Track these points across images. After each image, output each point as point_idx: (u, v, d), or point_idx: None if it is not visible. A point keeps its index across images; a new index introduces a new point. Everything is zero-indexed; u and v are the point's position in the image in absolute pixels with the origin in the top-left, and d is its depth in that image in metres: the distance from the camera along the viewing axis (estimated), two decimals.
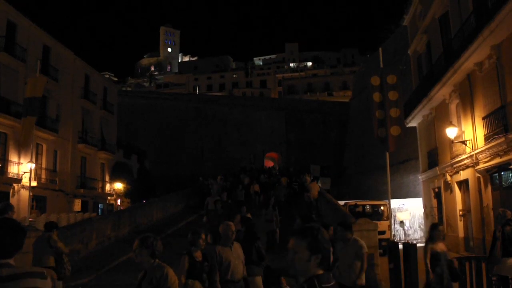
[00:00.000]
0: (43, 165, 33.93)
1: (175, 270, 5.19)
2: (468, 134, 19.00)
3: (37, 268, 3.31)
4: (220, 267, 6.68)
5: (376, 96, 12.81)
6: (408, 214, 26.91)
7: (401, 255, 10.99)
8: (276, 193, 26.69)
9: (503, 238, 8.67)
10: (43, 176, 33.48)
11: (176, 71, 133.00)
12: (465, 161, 19.29)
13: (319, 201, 23.70)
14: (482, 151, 17.38)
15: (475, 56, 17.23)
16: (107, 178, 44.63)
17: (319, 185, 29.91)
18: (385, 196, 21.30)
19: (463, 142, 18.89)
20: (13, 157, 30.14)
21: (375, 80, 12.92)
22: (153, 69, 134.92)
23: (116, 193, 46.25)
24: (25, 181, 29.13)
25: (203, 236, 6.82)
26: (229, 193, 25.77)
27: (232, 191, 27.40)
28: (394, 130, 12.42)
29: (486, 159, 17.12)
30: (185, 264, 6.46)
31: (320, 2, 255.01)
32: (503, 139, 15.31)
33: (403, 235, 26.05)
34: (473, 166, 18.52)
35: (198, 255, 6.63)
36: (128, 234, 21.01)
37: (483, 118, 17.48)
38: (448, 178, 21.82)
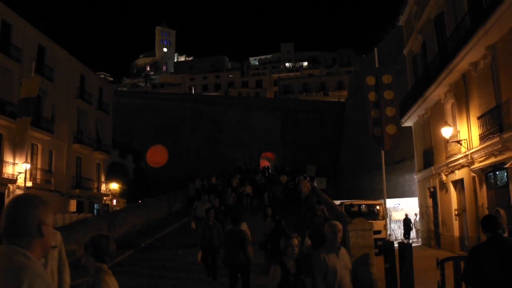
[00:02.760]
0: (38, 166, 33.83)
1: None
2: (463, 134, 19.06)
3: None
4: (324, 278, 5.64)
5: (372, 96, 12.84)
6: (403, 213, 27.02)
7: (396, 255, 11.01)
8: (274, 188, 26.78)
9: None
10: (38, 176, 33.38)
11: (172, 71, 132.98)
12: (460, 161, 19.35)
13: (311, 196, 24.25)
14: (477, 151, 17.44)
15: (470, 56, 17.29)
16: (102, 179, 44.55)
17: (315, 184, 29.98)
18: (381, 195, 21.32)
19: (458, 142, 18.95)
20: (8, 157, 30.05)
21: (371, 80, 12.94)
22: (148, 69, 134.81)
23: (112, 194, 46.16)
24: (20, 181, 29.06)
25: (296, 242, 5.57)
26: (219, 197, 24.75)
27: (222, 194, 26.12)
28: (390, 129, 12.45)
29: (481, 159, 17.18)
30: (276, 277, 5.40)
31: (315, 2, 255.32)
32: (498, 138, 15.37)
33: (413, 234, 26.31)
34: (468, 166, 18.58)
35: (292, 265, 5.49)
36: (124, 235, 21.00)
37: (478, 118, 17.54)
38: (444, 177, 21.89)
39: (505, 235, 8.68)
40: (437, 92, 21.61)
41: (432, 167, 23.59)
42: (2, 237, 2.36)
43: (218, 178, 33.56)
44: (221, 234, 12.31)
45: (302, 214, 22.28)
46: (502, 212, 9.44)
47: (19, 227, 2.34)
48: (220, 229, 12.79)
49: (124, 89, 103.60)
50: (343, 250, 5.97)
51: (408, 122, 27.39)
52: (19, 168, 30.02)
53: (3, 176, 29.23)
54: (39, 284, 2.21)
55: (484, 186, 17.62)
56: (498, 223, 5.32)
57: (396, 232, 26.88)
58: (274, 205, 24.82)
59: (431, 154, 24.09)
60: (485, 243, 5.24)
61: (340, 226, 5.94)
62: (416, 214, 27.00)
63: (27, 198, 2.46)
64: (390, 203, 26.84)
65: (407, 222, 25.50)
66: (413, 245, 11.48)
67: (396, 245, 11.89)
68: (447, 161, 21.08)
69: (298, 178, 29.11)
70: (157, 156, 58.10)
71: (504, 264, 4.82)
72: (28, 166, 27.46)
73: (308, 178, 28.20)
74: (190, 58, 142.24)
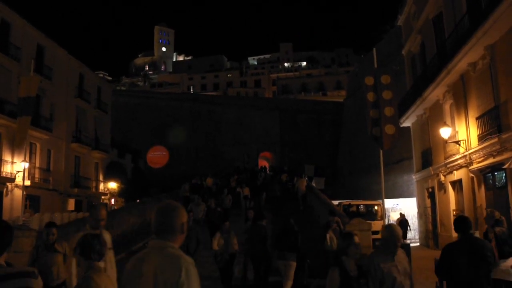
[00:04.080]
0: (37, 164, 33.83)
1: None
2: (461, 134, 19.07)
3: (28, 267, 3.31)
4: (381, 286, 5.07)
5: (370, 96, 12.82)
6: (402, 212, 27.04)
7: None
8: (273, 188, 26.63)
9: (496, 240, 8.66)
10: (36, 175, 33.37)
11: (171, 70, 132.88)
12: (459, 161, 19.36)
13: (309, 195, 24.18)
14: (475, 151, 17.45)
15: (468, 57, 17.30)
16: (101, 178, 44.56)
17: (313, 184, 30.00)
18: (379, 196, 21.35)
19: (457, 142, 18.95)
20: (6, 156, 30.04)
21: (369, 80, 12.92)
22: (147, 68, 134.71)
23: (110, 193, 46.15)
24: (18, 180, 29.03)
25: (357, 240, 5.10)
26: (216, 199, 23.76)
27: (219, 196, 25.29)
28: (389, 129, 12.43)
29: (480, 159, 17.19)
30: (335, 279, 4.89)
31: (314, 2, 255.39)
32: (496, 139, 15.38)
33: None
34: (466, 166, 18.59)
35: (353, 267, 4.97)
36: (122, 234, 20.96)
37: (477, 119, 17.55)
38: (442, 178, 21.89)
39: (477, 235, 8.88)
40: (436, 92, 21.62)
41: (431, 168, 23.59)
42: (154, 233, 3.21)
43: (215, 178, 32.62)
44: (201, 241, 11.62)
45: (300, 213, 22.32)
46: (496, 213, 9.45)
47: (168, 226, 3.17)
48: (201, 233, 12.11)
49: (122, 88, 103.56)
50: (400, 253, 5.27)
51: (407, 122, 27.39)
52: (17, 167, 30.01)
53: (1, 175, 29.23)
54: (192, 271, 3.01)
55: (483, 187, 17.63)
56: (469, 224, 6.05)
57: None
58: (273, 205, 24.83)
59: (430, 154, 24.09)
60: (457, 241, 5.97)
61: (398, 230, 5.31)
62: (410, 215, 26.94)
63: (174, 205, 3.29)
64: (388, 203, 26.88)
65: (403, 223, 25.20)
66: (411, 245, 11.52)
67: None
68: (445, 162, 21.09)
69: (296, 177, 28.87)
70: (158, 157, 58.16)
71: (471, 260, 5.54)
72: (26, 165, 27.39)
73: (306, 177, 28.00)
74: (189, 58, 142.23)
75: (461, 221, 6.07)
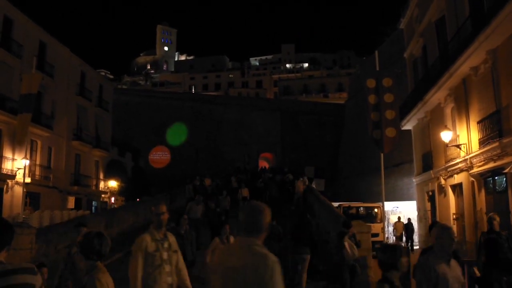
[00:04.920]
0: (37, 162, 33.83)
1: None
2: (462, 138, 19.07)
3: (27, 264, 3.33)
4: None
5: (372, 98, 12.84)
6: (401, 217, 26.98)
7: None
8: (271, 188, 26.47)
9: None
10: (37, 172, 33.38)
11: (172, 70, 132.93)
12: (459, 165, 19.36)
13: (309, 196, 24.09)
14: (476, 155, 17.45)
15: (470, 61, 17.30)
16: (101, 176, 44.56)
17: (313, 185, 29.93)
18: (379, 198, 21.34)
19: (458, 146, 18.95)
20: (7, 153, 30.04)
21: (371, 83, 12.94)
22: (149, 67, 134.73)
23: (110, 191, 46.15)
24: (19, 177, 29.05)
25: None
26: (215, 199, 23.26)
27: (217, 197, 24.48)
28: (389, 132, 12.45)
29: (480, 163, 17.18)
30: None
31: (317, 4, 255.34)
32: (497, 143, 15.38)
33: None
34: (467, 170, 18.59)
35: (398, 282, 4.45)
36: (122, 233, 20.97)
37: (478, 123, 17.55)
38: (442, 181, 21.89)
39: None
40: (437, 95, 21.62)
41: (431, 171, 23.59)
42: (243, 231, 3.45)
43: (213, 179, 32.25)
44: (194, 246, 11.37)
45: (299, 217, 22.22)
46: (496, 218, 9.51)
47: (256, 226, 3.44)
48: (194, 239, 11.60)
49: (124, 87, 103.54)
50: (453, 262, 5.00)
51: (408, 126, 27.40)
52: (18, 164, 30.01)
53: (2, 172, 29.22)
54: (277, 269, 3.23)
55: (483, 191, 17.62)
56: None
57: (392, 235, 26.84)
58: (271, 205, 24.70)
59: (430, 157, 24.09)
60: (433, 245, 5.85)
61: (453, 232, 5.05)
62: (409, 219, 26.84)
63: (261, 206, 3.55)
64: (388, 206, 26.84)
65: (409, 226, 24.98)
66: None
67: None
68: (446, 165, 21.08)
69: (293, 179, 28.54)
70: (160, 157, 58.20)
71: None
72: (27, 162, 27.43)
73: (301, 178, 27.55)
74: (191, 57, 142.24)
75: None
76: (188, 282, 5.80)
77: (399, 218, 25.86)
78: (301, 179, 26.63)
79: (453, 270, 4.87)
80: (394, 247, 4.45)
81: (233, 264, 3.30)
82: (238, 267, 3.26)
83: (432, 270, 4.77)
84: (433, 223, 6.57)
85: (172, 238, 5.76)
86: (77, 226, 7.47)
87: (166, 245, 5.59)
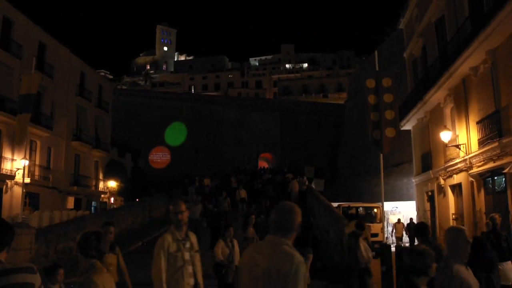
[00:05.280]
0: (37, 162, 33.81)
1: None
2: (462, 138, 19.08)
3: (27, 263, 3.34)
4: None
5: (371, 99, 12.83)
6: (401, 217, 26.99)
7: (393, 258, 11.02)
8: (267, 188, 26.29)
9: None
10: (36, 173, 33.35)
11: (172, 70, 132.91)
12: (459, 165, 19.37)
13: (308, 196, 24.10)
14: (475, 156, 17.46)
15: (470, 61, 17.31)
16: (100, 176, 44.54)
17: (313, 186, 29.93)
18: (379, 198, 21.35)
19: (457, 146, 18.96)
20: (6, 153, 30.03)
21: (371, 83, 12.94)
22: (148, 67, 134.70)
23: (110, 192, 46.14)
24: (18, 177, 29.02)
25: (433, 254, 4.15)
26: (214, 200, 23.63)
27: (217, 198, 24.54)
28: (389, 132, 12.44)
29: (480, 164, 17.19)
30: None
31: (316, 4, 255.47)
32: (496, 143, 15.39)
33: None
34: (466, 170, 18.59)
35: None
36: (121, 233, 20.97)
37: (477, 123, 17.56)
38: (442, 181, 21.90)
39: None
40: (437, 96, 21.63)
41: (431, 171, 23.60)
42: (272, 230, 3.48)
43: (212, 179, 32.32)
44: None
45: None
46: (497, 217, 9.56)
47: (286, 225, 3.46)
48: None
49: (124, 87, 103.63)
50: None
51: (407, 126, 27.40)
52: (17, 164, 30.00)
53: (1, 172, 29.20)
54: (301, 269, 3.26)
55: (482, 191, 17.63)
56: (428, 231, 7.29)
57: (392, 236, 26.84)
58: (271, 206, 24.65)
59: (430, 157, 24.10)
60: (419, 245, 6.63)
61: (466, 233, 4.82)
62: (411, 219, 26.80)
63: (292, 207, 3.57)
64: (387, 206, 26.87)
65: (411, 226, 24.76)
66: None
67: (393, 248, 11.91)
68: (445, 165, 21.09)
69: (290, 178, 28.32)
70: (160, 157, 58.34)
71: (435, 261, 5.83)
72: (26, 162, 27.38)
73: (299, 178, 27.40)
74: (190, 58, 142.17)
75: (422, 228, 7.38)
76: (202, 285, 5.58)
77: (399, 220, 25.85)
78: (298, 179, 26.53)
79: (471, 276, 4.66)
80: (423, 252, 4.17)
81: (260, 262, 3.37)
82: (264, 265, 3.32)
83: (455, 276, 4.49)
84: (421, 224, 7.19)
85: (194, 238, 5.57)
86: (106, 226, 7.30)
87: (188, 245, 5.41)
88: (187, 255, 5.32)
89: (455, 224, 20.77)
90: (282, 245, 3.39)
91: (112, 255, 6.83)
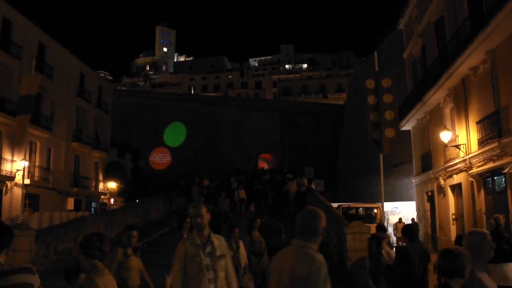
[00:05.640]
0: (37, 163, 33.81)
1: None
2: (462, 139, 19.07)
3: (26, 264, 3.35)
4: None
5: (371, 99, 12.83)
6: (401, 216, 26.95)
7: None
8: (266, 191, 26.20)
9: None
10: (36, 174, 33.35)
11: (172, 71, 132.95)
12: (459, 165, 19.36)
13: (308, 196, 24.02)
14: (475, 156, 17.46)
15: (470, 61, 17.31)
16: (100, 177, 44.54)
17: (313, 186, 29.89)
18: (378, 199, 21.33)
19: (457, 146, 18.96)
20: (6, 154, 30.03)
21: (370, 83, 12.94)
22: (148, 68, 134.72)
23: (110, 192, 46.14)
24: (18, 178, 29.01)
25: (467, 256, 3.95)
26: (213, 201, 23.40)
27: (216, 199, 24.33)
28: (389, 132, 12.44)
29: (480, 164, 17.19)
30: None
31: (316, 4, 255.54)
32: (496, 144, 15.39)
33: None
34: (466, 170, 18.59)
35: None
36: (120, 234, 20.96)
37: (477, 123, 17.55)
38: (442, 182, 21.89)
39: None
40: (437, 96, 21.62)
41: (430, 171, 23.59)
42: (298, 234, 3.66)
43: (212, 180, 32.06)
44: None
45: (292, 215, 22.17)
46: (501, 218, 9.57)
47: (311, 229, 3.64)
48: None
49: (123, 88, 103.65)
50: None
51: (407, 126, 27.40)
52: (17, 166, 30.00)
53: (1, 173, 29.20)
54: (323, 271, 3.41)
55: (482, 191, 17.62)
56: (415, 232, 8.02)
57: (393, 235, 26.80)
58: (272, 207, 24.61)
59: (430, 158, 24.09)
60: (408, 245, 7.79)
61: (490, 238, 4.55)
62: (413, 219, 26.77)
63: (317, 211, 3.75)
64: (387, 206, 26.84)
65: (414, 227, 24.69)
66: None
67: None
68: (445, 166, 21.09)
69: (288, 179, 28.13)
70: (160, 159, 58.36)
71: (421, 260, 7.37)
72: (26, 163, 27.37)
73: (298, 179, 27.22)
74: (190, 58, 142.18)
75: (409, 229, 8.13)
76: None
77: (400, 219, 25.62)
78: (298, 180, 26.41)
79: (492, 283, 4.36)
80: (455, 253, 3.98)
81: (285, 265, 3.53)
82: (288, 268, 3.49)
83: (477, 282, 4.18)
84: (408, 226, 7.94)
85: (218, 242, 5.19)
86: (129, 230, 7.20)
87: (208, 249, 5.06)
88: (206, 260, 5.01)
89: (455, 224, 20.80)
90: (306, 248, 3.54)
91: (136, 258, 6.83)
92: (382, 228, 10.55)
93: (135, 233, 7.08)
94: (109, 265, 6.70)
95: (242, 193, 25.40)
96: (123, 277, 6.57)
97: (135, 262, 6.79)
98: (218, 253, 5.08)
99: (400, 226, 25.04)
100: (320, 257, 3.47)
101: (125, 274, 6.58)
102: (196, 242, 5.08)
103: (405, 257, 7.50)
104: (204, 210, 5.25)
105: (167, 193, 29.07)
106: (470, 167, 18.10)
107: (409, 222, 24.91)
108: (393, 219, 26.84)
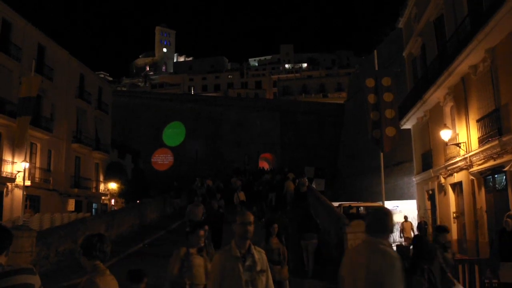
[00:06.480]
0: (37, 165, 33.84)
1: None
2: (462, 137, 19.07)
3: (26, 265, 3.36)
4: None
5: (371, 98, 12.82)
6: (402, 216, 26.91)
7: None
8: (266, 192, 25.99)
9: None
10: (37, 175, 33.38)
11: (171, 71, 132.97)
12: (459, 164, 19.35)
13: (309, 196, 23.95)
14: (476, 154, 17.45)
15: (469, 59, 17.29)
16: (101, 178, 44.56)
17: (313, 186, 29.88)
18: (379, 197, 21.34)
19: (457, 145, 18.95)
20: (7, 156, 30.05)
21: (370, 82, 12.93)
22: (148, 69, 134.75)
23: (110, 193, 46.16)
24: (19, 180, 29.05)
25: None
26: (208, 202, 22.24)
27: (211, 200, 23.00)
28: (389, 131, 12.43)
29: (480, 162, 17.18)
30: None
31: (315, 4, 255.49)
32: (496, 142, 15.38)
33: None
34: (467, 169, 18.58)
35: None
36: (121, 235, 20.97)
37: (477, 121, 17.55)
38: (442, 180, 21.88)
39: None
40: (437, 94, 21.61)
41: (431, 170, 23.58)
42: (369, 231, 3.89)
43: (214, 180, 31.73)
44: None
45: (303, 210, 22.13)
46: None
47: (382, 227, 3.88)
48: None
49: (123, 89, 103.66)
50: None
51: (407, 125, 27.38)
52: (18, 167, 30.02)
53: (2, 175, 29.23)
54: (397, 266, 3.64)
55: (483, 189, 17.62)
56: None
57: (394, 234, 26.72)
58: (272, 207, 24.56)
59: (430, 156, 24.08)
60: None
61: None
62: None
63: (387, 210, 4.06)
64: (388, 205, 26.81)
65: (421, 226, 24.05)
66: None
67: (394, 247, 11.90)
68: (445, 164, 21.08)
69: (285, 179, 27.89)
70: (163, 160, 58.40)
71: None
72: (27, 165, 27.41)
73: (297, 179, 27.01)
74: (190, 59, 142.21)
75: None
76: None
77: (405, 217, 24.59)
78: (298, 180, 26.35)
79: None
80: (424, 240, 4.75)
81: (360, 260, 3.76)
82: (364, 263, 3.70)
83: None
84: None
85: (259, 255, 4.55)
86: (197, 228, 6.99)
87: (248, 262, 4.42)
88: (246, 275, 4.36)
89: (456, 222, 20.80)
90: (378, 244, 3.76)
91: (199, 257, 6.72)
92: (441, 229, 8.96)
93: (202, 232, 6.87)
94: (172, 264, 6.69)
95: (242, 195, 24.87)
96: (186, 276, 6.47)
97: (199, 261, 6.62)
98: (258, 267, 4.46)
99: (407, 225, 24.56)
100: (394, 252, 3.70)
101: (188, 273, 6.45)
102: (235, 254, 4.44)
103: None
104: (252, 218, 4.66)
105: (161, 195, 28.86)
106: (471, 165, 18.10)
107: (420, 221, 24.61)
108: (395, 218, 26.75)
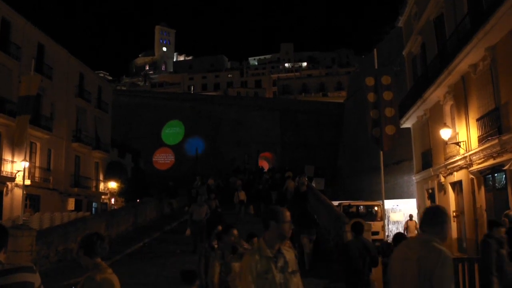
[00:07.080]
0: (37, 164, 33.84)
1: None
2: (462, 136, 19.07)
3: (26, 263, 3.37)
4: None
5: (371, 96, 12.82)
6: (401, 215, 26.93)
7: None
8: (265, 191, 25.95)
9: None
10: (37, 174, 33.38)
11: (171, 70, 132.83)
12: (459, 163, 19.35)
13: (309, 195, 23.92)
14: (475, 153, 17.44)
15: (469, 58, 17.29)
16: (101, 177, 44.57)
17: (313, 184, 29.89)
18: (379, 196, 21.33)
19: (457, 144, 18.95)
20: (6, 155, 30.05)
21: (370, 81, 12.93)
22: (148, 68, 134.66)
23: (110, 192, 46.17)
24: (18, 179, 29.05)
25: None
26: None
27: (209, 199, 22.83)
28: (389, 129, 12.43)
29: (480, 161, 17.18)
30: None
31: (315, 2, 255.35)
32: (496, 140, 15.38)
33: None
34: (466, 168, 18.58)
35: None
36: (122, 234, 20.98)
37: (477, 120, 17.55)
38: (442, 179, 21.88)
39: None
40: (436, 93, 21.61)
41: (431, 169, 23.58)
42: (422, 228, 4.01)
43: (215, 179, 31.69)
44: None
45: (301, 207, 22.13)
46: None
47: (436, 224, 3.93)
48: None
49: (123, 88, 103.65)
50: None
51: (407, 123, 27.37)
52: (17, 166, 30.03)
53: (1, 174, 29.24)
54: (448, 263, 3.68)
55: (483, 188, 17.63)
56: (361, 229, 8.87)
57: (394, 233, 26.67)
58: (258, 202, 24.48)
59: (430, 155, 24.08)
60: (352, 240, 9.06)
61: None
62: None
63: (443, 208, 4.11)
64: (388, 204, 26.83)
65: None
66: None
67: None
68: (445, 163, 21.08)
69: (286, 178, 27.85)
70: (164, 159, 58.45)
71: (361, 252, 8.30)
72: (26, 164, 27.38)
73: (297, 178, 26.95)
74: (190, 58, 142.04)
75: (356, 226, 8.90)
76: None
77: (411, 216, 24.07)
78: (298, 178, 26.30)
79: None
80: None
81: (410, 256, 3.85)
82: (414, 259, 3.79)
83: None
84: (355, 223, 9.64)
85: (289, 255, 4.17)
86: (229, 228, 6.81)
87: (280, 263, 4.04)
88: (279, 277, 3.99)
89: (456, 221, 20.80)
90: (430, 241, 3.82)
91: (236, 258, 6.41)
92: (494, 223, 8.52)
93: (236, 231, 6.63)
94: (212, 265, 6.65)
95: (242, 195, 24.44)
96: (225, 279, 6.38)
97: (236, 264, 6.19)
98: (290, 268, 4.10)
99: (411, 223, 24.26)
100: (446, 250, 3.73)
101: (226, 274, 6.35)
102: (267, 254, 4.05)
103: (345, 252, 8.59)
104: (290, 216, 4.25)
105: (157, 196, 28.69)
106: (471, 164, 18.10)
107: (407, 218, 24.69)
108: (394, 217, 26.80)
